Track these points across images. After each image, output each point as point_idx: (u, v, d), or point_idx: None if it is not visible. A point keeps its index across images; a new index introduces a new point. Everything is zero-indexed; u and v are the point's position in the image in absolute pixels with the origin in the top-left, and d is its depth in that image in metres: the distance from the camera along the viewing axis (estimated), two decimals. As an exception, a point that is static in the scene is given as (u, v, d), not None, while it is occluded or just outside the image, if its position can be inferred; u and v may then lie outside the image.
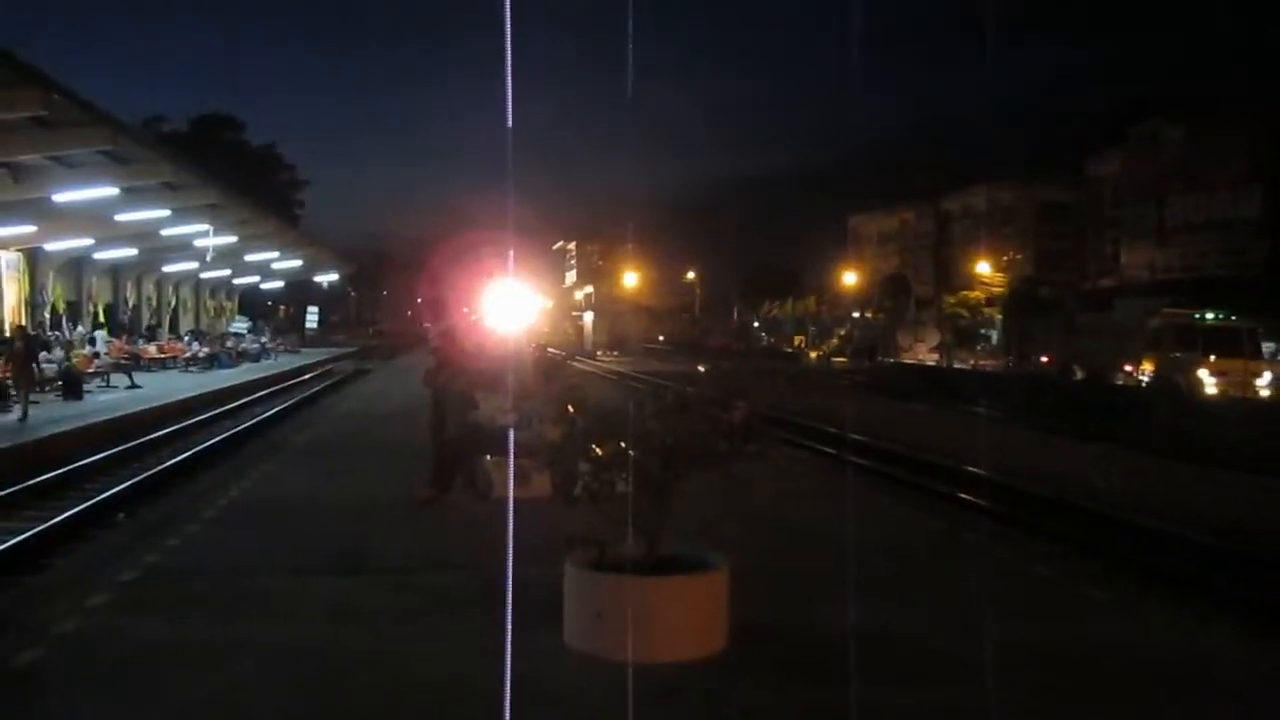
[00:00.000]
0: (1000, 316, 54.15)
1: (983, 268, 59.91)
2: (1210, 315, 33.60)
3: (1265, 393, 30.19)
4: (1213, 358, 30.68)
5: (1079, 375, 36.72)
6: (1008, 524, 12.23)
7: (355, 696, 5.51)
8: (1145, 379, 33.42)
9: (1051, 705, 5.52)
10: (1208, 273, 42.92)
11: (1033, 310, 47.12)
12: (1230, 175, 43.45)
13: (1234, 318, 33.28)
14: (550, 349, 23.67)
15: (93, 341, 30.77)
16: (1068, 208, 61.09)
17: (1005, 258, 59.83)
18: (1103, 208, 55.27)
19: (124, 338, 35.71)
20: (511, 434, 9.73)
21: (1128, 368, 34.74)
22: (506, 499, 10.10)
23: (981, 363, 48.54)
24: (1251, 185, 42.69)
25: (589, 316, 69.15)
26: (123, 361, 29.61)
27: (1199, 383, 30.43)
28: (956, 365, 47.40)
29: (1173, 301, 38.77)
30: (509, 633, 5.14)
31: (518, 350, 11.24)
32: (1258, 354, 32.17)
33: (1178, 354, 31.82)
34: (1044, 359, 42.07)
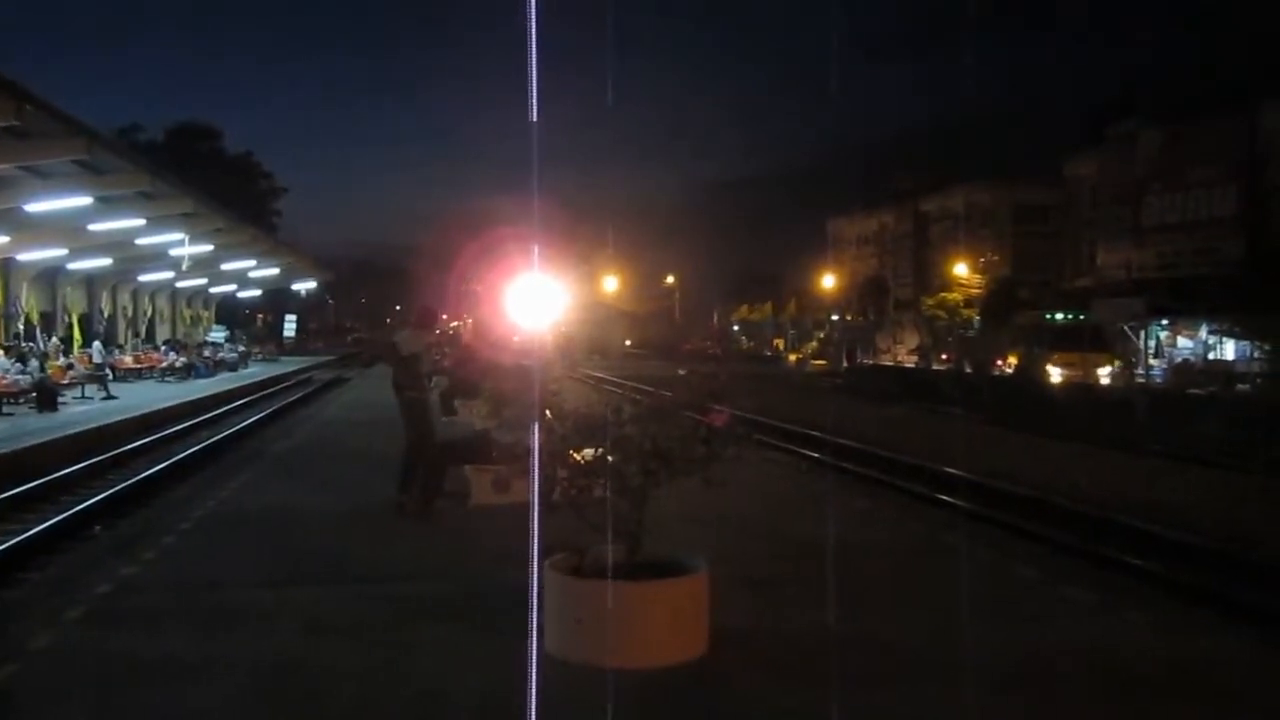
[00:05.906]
0: (978, 318, 54.41)
1: (961, 269, 60.18)
2: (1060, 316, 40.31)
3: (1105, 381, 35.70)
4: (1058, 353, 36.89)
5: (967, 370, 41.90)
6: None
7: (337, 710, 5.45)
8: (1009, 371, 39.73)
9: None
10: (1184, 272, 43.19)
11: (1010, 311, 47.42)
12: (1206, 175, 43.74)
13: (1081, 317, 39.51)
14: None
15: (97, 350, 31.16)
16: (1046, 209, 61.43)
17: (983, 259, 60.13)
18: (1081, 208, 55.57)
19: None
20: (493, 440, 9.73)
21: (999, 362, 40.94)
22: (484, 506, 10.11)
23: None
24: (1228, 185, 43.03)
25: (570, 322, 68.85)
26: (98, 373, 29.33)
27: (1047, 374, 35.89)
28: (935, 367, 47.62)
29: (1148, 303, 39.75)
30: (534, 644, 5.08)
31: (543, 354, 11.11)
32: (1098, 349, 37.72)
33: (1033, 350, 38.17)
34: (944, 356, 47.65)
